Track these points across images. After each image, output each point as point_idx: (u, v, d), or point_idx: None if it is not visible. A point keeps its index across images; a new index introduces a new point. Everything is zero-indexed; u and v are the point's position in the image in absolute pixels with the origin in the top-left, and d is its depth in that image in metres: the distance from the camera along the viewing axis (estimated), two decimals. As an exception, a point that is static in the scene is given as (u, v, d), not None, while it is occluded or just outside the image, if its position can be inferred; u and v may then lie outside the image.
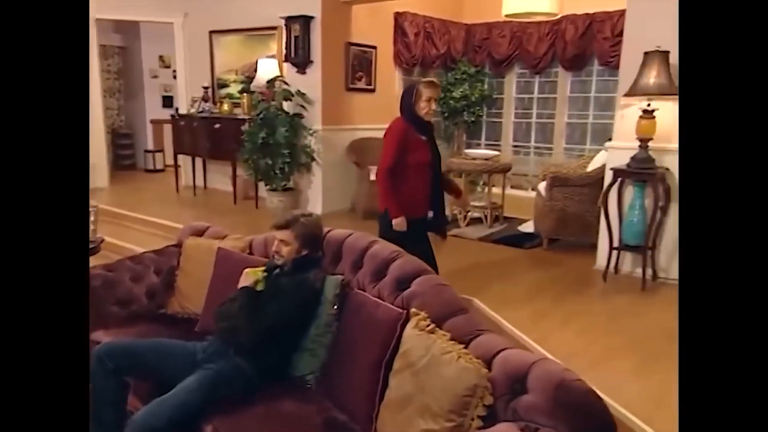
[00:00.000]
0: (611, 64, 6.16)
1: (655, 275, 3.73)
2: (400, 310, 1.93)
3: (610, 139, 5.82)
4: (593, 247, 4.14)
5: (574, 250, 4.41)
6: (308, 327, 2.21)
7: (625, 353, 2.76)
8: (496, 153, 5.67)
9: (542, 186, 4.67)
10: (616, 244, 3.79)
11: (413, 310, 1.91)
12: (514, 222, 5.41)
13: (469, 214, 5.31)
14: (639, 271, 3.69)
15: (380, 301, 2.06)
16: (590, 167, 4.57)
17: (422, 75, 7.17)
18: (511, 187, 6.70)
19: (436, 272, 2.96)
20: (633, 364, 2.65)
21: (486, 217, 5.26)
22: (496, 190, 5.65)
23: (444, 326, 1.85)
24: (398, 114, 2.98)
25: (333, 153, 5.70)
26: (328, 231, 2.48)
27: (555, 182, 4.42)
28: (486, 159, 5.29)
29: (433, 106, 2.91)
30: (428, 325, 1.80)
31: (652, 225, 3.61)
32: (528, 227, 5.11)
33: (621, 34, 5.97)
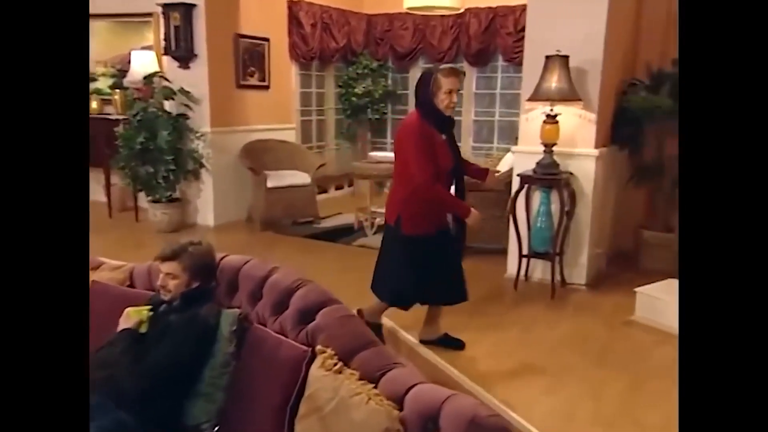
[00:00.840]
0: (515, 61, 6.50)
1: (563, 281, 4.00)
2: (305, 348, 1.93)
3: (517, 138, 6.18)
4: (503, 253, 4.36)
5: (486, 257, 4.62)
6: (202, 369, 2.15)
7: (537, 368, 2.94)
8: (403, 155, 5.79)
9: (452, 191, 4.84)
10: (525, 251, 4.02)
11: (319, 347, 1.92)
12: (423, 227, 5.57)
13: (377, 220, 5.40)
14: (548, 277, 3.95)
15: (282, 338, 2.05)
16: (499, 170, 4.80)
17: (321, 69, 7.17)
18: (420, 188, 6.88)
19: (465, 291, 3.07)
20: (545, 379, 2.83)
21: (394, 223, 5.37)
22: None
23: (352, 362, 1.88)
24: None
25: (224, 158, 5.56)
26: (223, 257, 2.42)
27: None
28: (392, 162, 5.38)
29: (455, 98, 2.77)
30: (335, 364, 1.82)
31: (559, 230, 3.88)
32: (438, 233, 5.28)
33: (524, 29, 6.37)
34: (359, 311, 3.03)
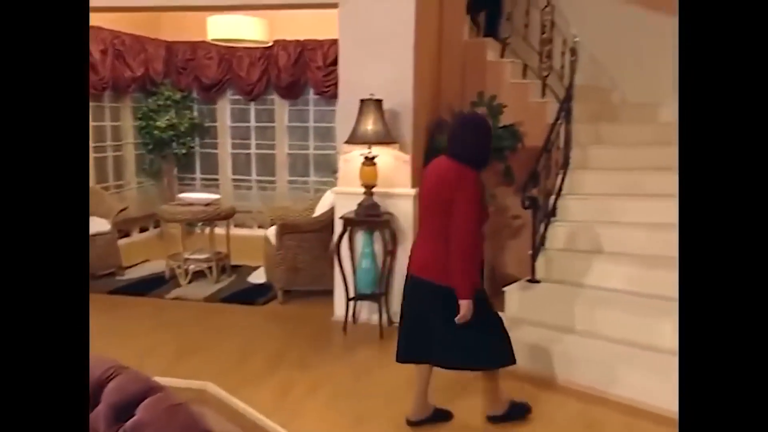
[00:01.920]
0: (327, 94, 6.64)
1: (390, 320, 4.12)
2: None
3: (335, 172, 6.28)
4: (329, 293, 4.38)
5: (311, 300, 4.59)
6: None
7: (373, 419, 2.97)
8: (217, 196, 5.55)
9: (271, 232, 4.75)
10: (351, 294, 4.07)
11: (144, 452, 1.70)
12: (242, 270, 5.37)
13: (191, 267, 5.08)
14: (375, 317, 4.04)
15: (95, 445, 1.79)
16: (318, 210, 4.82)
17: (116, 100, 6.61)
18: (235, 225, 6.64)
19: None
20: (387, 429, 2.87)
21: (211, 269, 5.10)
22: (218, 230, 5.42)
23: (185, 463, 1.70)
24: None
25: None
26: None
27: (285, 230, 4.54)
28: (206, 204, 5.13)
29: None
30: (166, 472, 1.63)
31: (384, 271, 3.99)
32: (259, 276, 5.13)
33: (334, 63, 6.56)
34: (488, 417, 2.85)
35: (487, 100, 4.65)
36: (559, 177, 4.38)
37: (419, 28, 4.04)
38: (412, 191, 4.09)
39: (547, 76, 4.93)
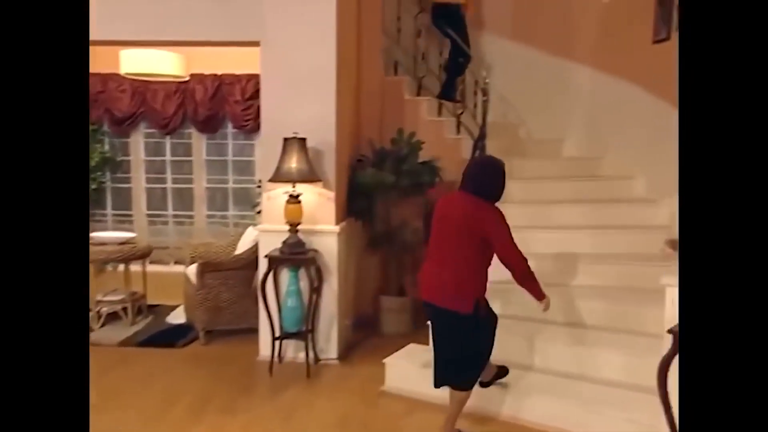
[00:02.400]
0: (246, 128, 6.57)
1: (316, 358, 4.08)
2: None
3: (255, 206, 6.18)
4: (253, 332, 4.28)
5: (235, 340, 4.46)
6: None
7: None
8: (132, 235, 5.31)
9: (191, 271, 4.60)
10: (278, 333, 4.00)
11: None
12: (160, 311, 5.14)
13: (104, 310, 4.80)
14: (301, 355, 3.99)
15: None
16: (241, 247, 4.73)
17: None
18: (150, 262, 6.36)
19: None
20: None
21: (126, 311, 4.84)
22: (133, 267, 5.15)
23: None
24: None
25: None
26: None
27: (207, 268, 4.41)
28: (120, 243, 4.89)
29: None
30: None
31: (310, 308, 3.96)
32: (178, 316, 4.94)
33: (252, 97, 6.51)
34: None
35: (406, 137, 4.78)
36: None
37: (341, 67, 4.11)
38: (337, 228, 4.11)
39: (461, 114, 5.13)
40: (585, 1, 5.70)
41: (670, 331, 2.45)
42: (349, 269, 4.52)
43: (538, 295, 3.04)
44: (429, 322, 3.13)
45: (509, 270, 2.97)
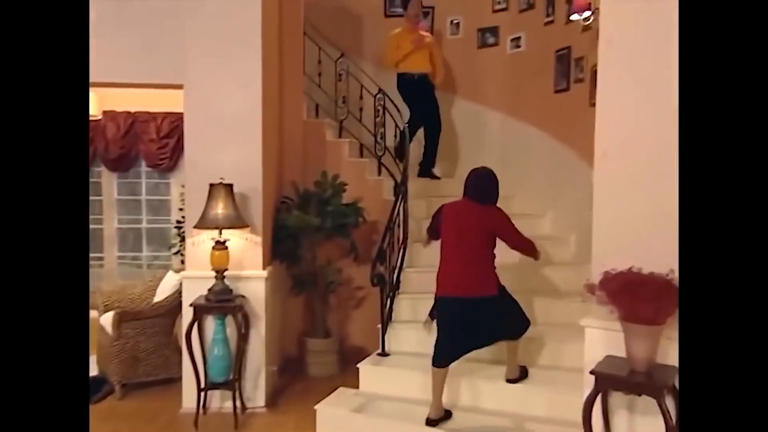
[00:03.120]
0: (160, 167, 6.31)
1: (243, 407, 3.93)
2: None
3: (171, 248, 5.93)
4: (173, 381, 4.07)
5: (154, 392, 4.21)
6: None
7: None
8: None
9: (106, 320, 4.31)
10: (203, 384, 3.82)
11: None
12: (69, 362, 4.76)
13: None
14: (227, 405, 3.83)
15: None
16: (160, 292, 4.49)
17: None
18: (55, 309, 5.90)
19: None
20: None
21: (31, 365, 4.45)
22: None
23: None
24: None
25: None
26: None
27: (124, 317, 4.16)
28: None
29: None
30: None
31: (238, 357, 3.82)
32: (90, 369, 4.59)
33: (168, 135, 6.28)
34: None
35: (330, 179, 4.79)
36: (401, 252, 4.59)
37: (266, 112, 4.07)
38: (264, 272, 4.02)
39: (382, 156, 5.23)
40: (493, 51, 6.06)
41: (592, 372, 2.58)
42: (275, 313, 4.43)
43: (535, 254, 3.65)
44: (445, 317, 3.51)
45: (520, 252, 3.62)
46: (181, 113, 4.01)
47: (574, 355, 3.24)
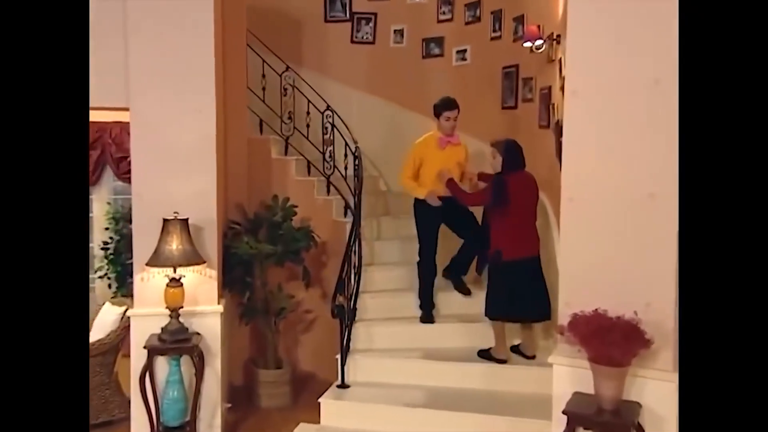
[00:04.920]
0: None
1: (200, 448, 4.01)
2: None
3: (97, 271, 5.81)
4: (113, 424, 4.09)
5: (97, 434, 4.20)
6: None
7: None
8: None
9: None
10: (156, 428, 3.85)
11: None
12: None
13: None
14: (182, 448, 3.89)
15: None
16: (97, 327, 4.44)
17: None
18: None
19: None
20: None
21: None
22: None
23: None
24: None
25: None
26: None
27: (63, 359, 4.09)
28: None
29: None
30: None
31: (194, 397, 3.89)
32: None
33: (90, 147, 6.09)
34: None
35: (281, 201, 4.89)
36: (356, 277, 4.78)
37: (219, 137, 4.12)
38: (219, 307, 4.10)
39: (330, 174, 5.37)
40: (439, 62, 6.34)
41: (564, 413, 2.91)
42: (229, 347, 4.51)
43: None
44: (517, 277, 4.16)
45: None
46: (105, 122, 3.86)
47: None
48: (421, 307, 4.71)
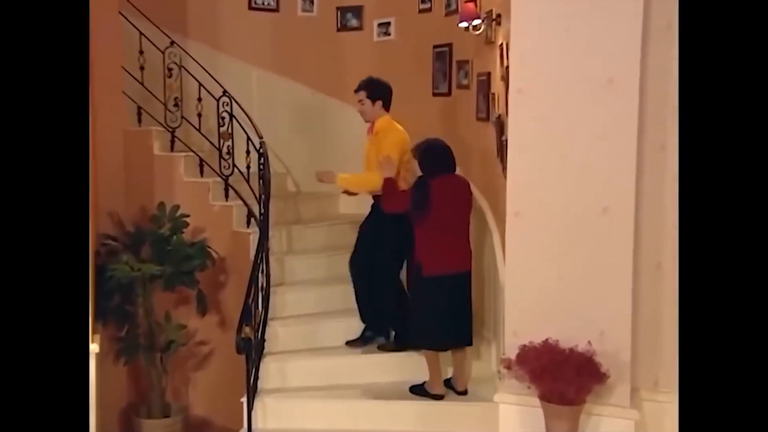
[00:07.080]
0: None
1: None
2: None
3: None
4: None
5: None
6: None
7: None
8: None
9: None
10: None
11: None
12: None
13: None
14: None
15: None
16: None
17: None
18: None
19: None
20: None
21: None
22: None
23: None
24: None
25: None
26: None
27: None
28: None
29: None
30: None
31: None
32: None
33: None
34: None
35: (168, 211, 4.88)
36: (264, 302, 4.84)
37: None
38: (94, 347, 4.06)
39: (230, 175, 5.36)
40: (356, 37, 6.46)
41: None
42: (101, 394, 4.48)
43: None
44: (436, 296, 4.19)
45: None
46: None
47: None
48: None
